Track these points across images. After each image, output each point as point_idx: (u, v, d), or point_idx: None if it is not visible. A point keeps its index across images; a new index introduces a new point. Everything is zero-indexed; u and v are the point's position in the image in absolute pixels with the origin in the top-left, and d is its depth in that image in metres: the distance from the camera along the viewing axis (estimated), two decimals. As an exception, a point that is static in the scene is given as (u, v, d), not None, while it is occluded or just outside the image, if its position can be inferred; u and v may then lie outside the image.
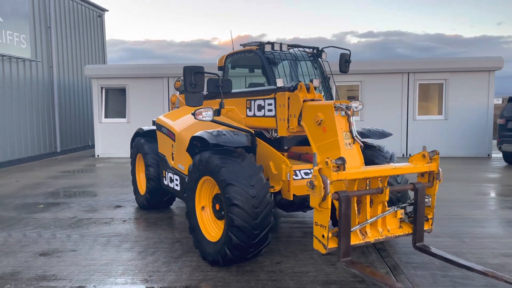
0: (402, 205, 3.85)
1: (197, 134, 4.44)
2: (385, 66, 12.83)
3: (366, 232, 3.69)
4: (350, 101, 5.45)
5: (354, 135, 3.96)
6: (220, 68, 6.21)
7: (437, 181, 3.90)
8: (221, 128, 4.87)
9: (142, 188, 6.59)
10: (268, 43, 5.34)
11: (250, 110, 5.22)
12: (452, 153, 12.70)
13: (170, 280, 3.84)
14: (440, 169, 3.89)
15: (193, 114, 4.51)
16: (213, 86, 4.59)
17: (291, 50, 5.74)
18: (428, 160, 3.85)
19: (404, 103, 12.89)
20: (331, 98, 5.76)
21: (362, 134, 4.99)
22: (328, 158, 3.38)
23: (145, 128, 6.66)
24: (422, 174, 4.00)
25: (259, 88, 5.19)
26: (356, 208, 3.72)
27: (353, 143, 3.94)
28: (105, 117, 13.89)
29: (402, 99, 12.88)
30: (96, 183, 8.99)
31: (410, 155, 12.88)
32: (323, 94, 5.65)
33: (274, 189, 4.57)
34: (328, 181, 3.32)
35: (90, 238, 5.11)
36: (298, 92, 4.45)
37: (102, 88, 13.77)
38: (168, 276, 3.92)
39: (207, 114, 4.48)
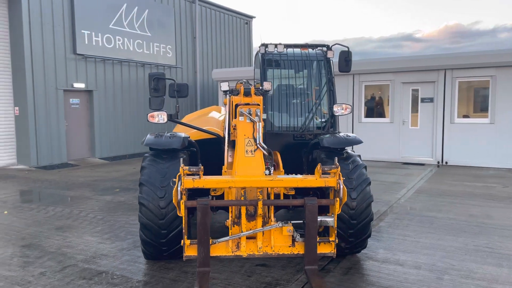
0: (293, 221, 3.46)
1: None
2: (527, 57, 10.36)
3: (239, 245, 3.48)
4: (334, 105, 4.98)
5: (257, 142, 3.73)
6: None
7: (337, 199, 3.36)
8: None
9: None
10: (263, 45, 5.32)
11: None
12: None
13: (102, 263, 4.36)
14: (341, 185, 3.33)
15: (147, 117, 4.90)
16: (171, 90, 4.89)
17: (296, 51, 5.54)
18: (321, 174, 3.35)
19: (553, 102, 10.18)
20: (333, 100, 5.34)
21: (323, 141, 4.50)
22: (182, 165, 3.37)
23: (181, 127, 7.28)
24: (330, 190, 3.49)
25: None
26: (231, 219, 3.56)
27: (255, 151, 3.73)
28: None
29: (551, 97, 10.19)
30: (183, 175, 10.12)
31: (559, 168, 10.19)
32: (324, 96, 5.30)
33: (216, 193, 4.59)
34: (179, 188, 3.32)
35: (104, 220, 6.03)
36: (235, 97, 4.37)
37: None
38: (103, 260, 4.45)
39: (160, 117, 4.79)
